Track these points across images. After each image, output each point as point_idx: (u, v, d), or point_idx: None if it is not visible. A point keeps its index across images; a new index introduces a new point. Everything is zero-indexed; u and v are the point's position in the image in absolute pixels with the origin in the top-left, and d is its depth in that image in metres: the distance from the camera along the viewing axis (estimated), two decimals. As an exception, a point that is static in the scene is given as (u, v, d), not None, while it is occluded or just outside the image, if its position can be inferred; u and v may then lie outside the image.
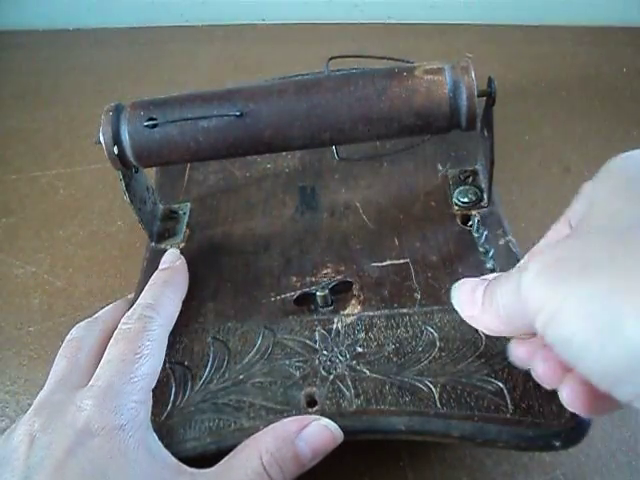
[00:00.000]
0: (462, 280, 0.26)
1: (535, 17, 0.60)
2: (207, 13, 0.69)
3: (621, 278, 0.17)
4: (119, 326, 0.29)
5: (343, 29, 0.65)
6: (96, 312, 0.33)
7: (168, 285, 0.32)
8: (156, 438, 0.26)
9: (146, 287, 0.31)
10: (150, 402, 0.27)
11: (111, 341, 0.29)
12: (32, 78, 0.65)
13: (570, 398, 0.22)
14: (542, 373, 0.23)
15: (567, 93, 0.51)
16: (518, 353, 0.25)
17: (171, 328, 0.31)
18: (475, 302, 0.24)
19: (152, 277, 0.32)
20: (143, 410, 0.26)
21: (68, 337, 0.31)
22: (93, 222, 0.45)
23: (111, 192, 0.48)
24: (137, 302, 0.30)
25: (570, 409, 0.23)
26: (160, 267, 0.33)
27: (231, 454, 0.25)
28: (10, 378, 0.36)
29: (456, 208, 0.35)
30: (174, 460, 0.25)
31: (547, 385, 0.24)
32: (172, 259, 0.33)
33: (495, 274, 0.26)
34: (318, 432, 0.26)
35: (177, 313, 0.31)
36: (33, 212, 0.47)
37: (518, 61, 0.55)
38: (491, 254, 0.32)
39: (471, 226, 0.34)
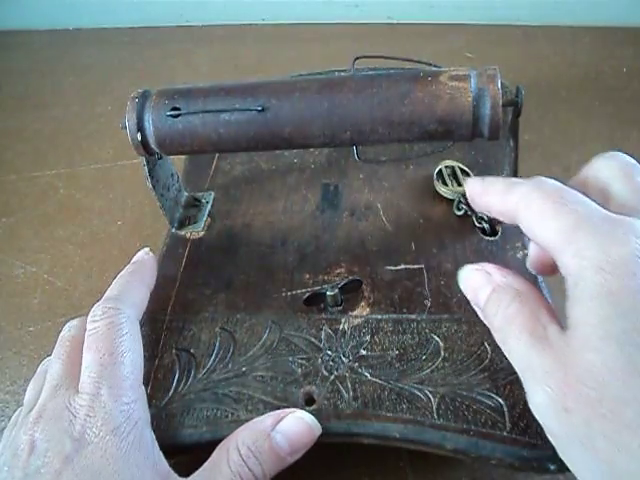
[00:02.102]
0: None
1: (535, 17, 0.60)
2: (207, 13, 0.69)
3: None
4: (87, 327, 0.29)
5: (343, 29, 0.65)
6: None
7: (134, 274, 0.32)
8: (153, 437, 0.26)
9: (114, 281, 0.32)
10: (143, 397, 0.27)
11: (84, 346, 0.28)
12: (32, 78, 0.65)
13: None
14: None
15: (567, 93, 0.51)
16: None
17: (141, 315, 0.30)
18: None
19: (121, 272, 0.32)
20: (136, 408, 0.26)
21: (62, 334, 0.30)
22: (93, 222, 0.45)
23: (111, 192, 0.48)
24: (104, 295, 0.30)
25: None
26: (131, 262, 0.33)
27: (213, 453, 0.26)
28: (10, 378, 0.36)
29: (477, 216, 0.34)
30: (166, 466, 0.25)
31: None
32: (142, 255, 0.33)
33: None
34: (294, 424, 0.26)
35: (146, 300, 0.31)
36: (33, 212, 0.47)
37: (518, 61, 0.55)
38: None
39: (485, 233, 0.33)
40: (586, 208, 0.22)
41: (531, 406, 0.22)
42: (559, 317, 0.22)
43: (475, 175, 0.37)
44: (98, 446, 0.24)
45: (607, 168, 0.24)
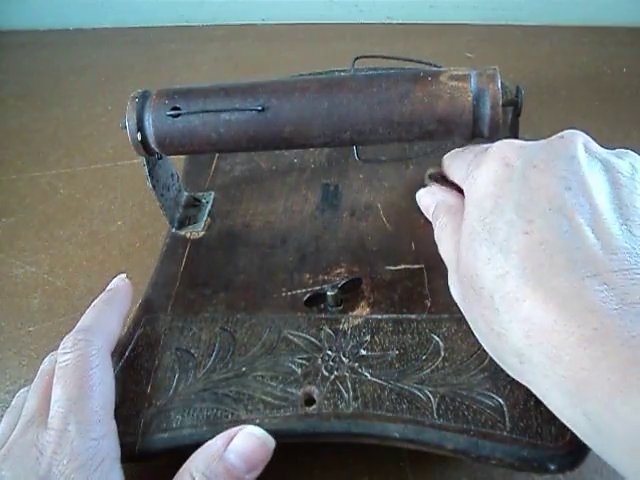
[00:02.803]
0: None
1: (535, 17, 0.61)
2: (207, 13, 0.69)
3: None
4: (57, 359, 0.28)
5: (343, 29, 0.65)
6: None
7: (108, 304, 0.31)
8: (121, 472, 0.25)
9: (87, 310, 0.31)
10: (114, 431, 0.26)
11: (54, 379, 0.27)
12: (32, 78, 0.65)
13: None
14: None
15: (567, 93, 0.51)
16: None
17: (113, 346, 0.30)
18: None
19: (95, 301, 0.32)
20: (105, 444, 0.25)
21: (41, 368, 0.30)
22: (93, 222, 0.45)
23: (111, 192, 0.48)
24: (76, 326, 0.30)
25: None
26: (106, 290, 0.33)
27: None
28: (10, 378, 0.36)
29: None
30: None
31: None
32: (117, 282, 0.33)
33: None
34: (244, 441, 0.25)
35: (118, 330, 0.31)
36: (33, 212, 0.47)
37: (518, 61, 0.55)
38: None
39: None
40: (475, 147, 0.30)
41: (454, 297, 0.28)
42: None
43: None
44: None
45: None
